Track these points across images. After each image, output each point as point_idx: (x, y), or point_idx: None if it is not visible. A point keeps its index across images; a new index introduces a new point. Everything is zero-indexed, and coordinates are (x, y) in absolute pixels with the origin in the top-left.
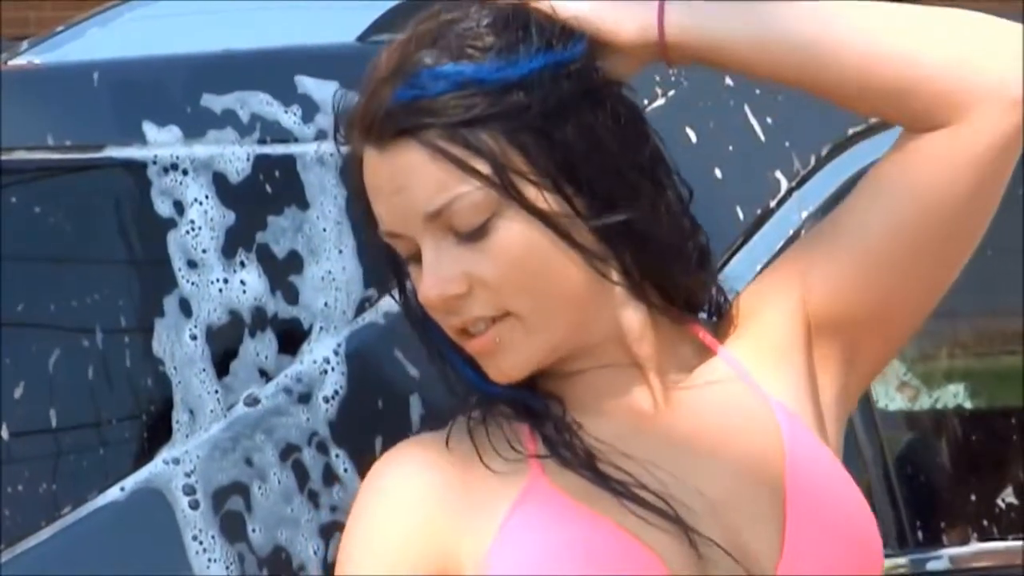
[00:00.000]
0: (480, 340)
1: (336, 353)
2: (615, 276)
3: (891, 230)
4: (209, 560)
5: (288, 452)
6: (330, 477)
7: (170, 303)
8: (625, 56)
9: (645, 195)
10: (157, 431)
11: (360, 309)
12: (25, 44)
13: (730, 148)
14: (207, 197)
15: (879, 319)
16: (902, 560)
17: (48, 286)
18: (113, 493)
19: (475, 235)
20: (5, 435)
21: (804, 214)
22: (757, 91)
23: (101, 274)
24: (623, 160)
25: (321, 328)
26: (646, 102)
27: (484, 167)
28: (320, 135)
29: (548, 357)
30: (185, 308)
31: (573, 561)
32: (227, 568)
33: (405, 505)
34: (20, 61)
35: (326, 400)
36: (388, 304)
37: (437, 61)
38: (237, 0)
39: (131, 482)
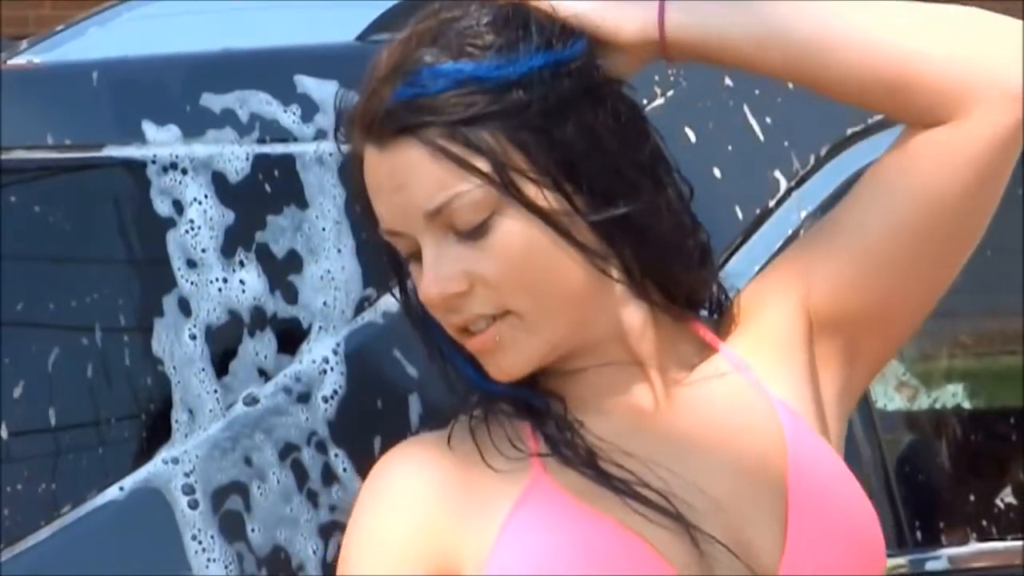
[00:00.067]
0: (480, 338)
1: (335, 353)
2: (616, 274)
3: (891, 229)
4: (208, 560)
5: (287, 452)
6: (329, 477)
7: (169, 302)
8: (625, 54)
9: (645, 193)
10: (156, 431)
11: (359, 309)
12: (24, 43)
13: (729, 148)
14: (206, 196)
15: (879, 318)
16: (901, 560)
17: (48, 285)
18: (112, 492)
19: (475, 233)
20: (4, 434)
21: (803, 214)
22: (756, 91)
23: (100, 273)
24: (623, 158)
25: (320, 328)
26: (645, 102)
27: (484, 165)
28: (319, 134)
29: (549, 355)
30: (184, 308)
31: (575, 560)
32: (226, 568)
33: (406, 505)
34: (20, 60)
35: (325, 400)
36: (387, 304)
37: (437, 59)
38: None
39: (130, 482)
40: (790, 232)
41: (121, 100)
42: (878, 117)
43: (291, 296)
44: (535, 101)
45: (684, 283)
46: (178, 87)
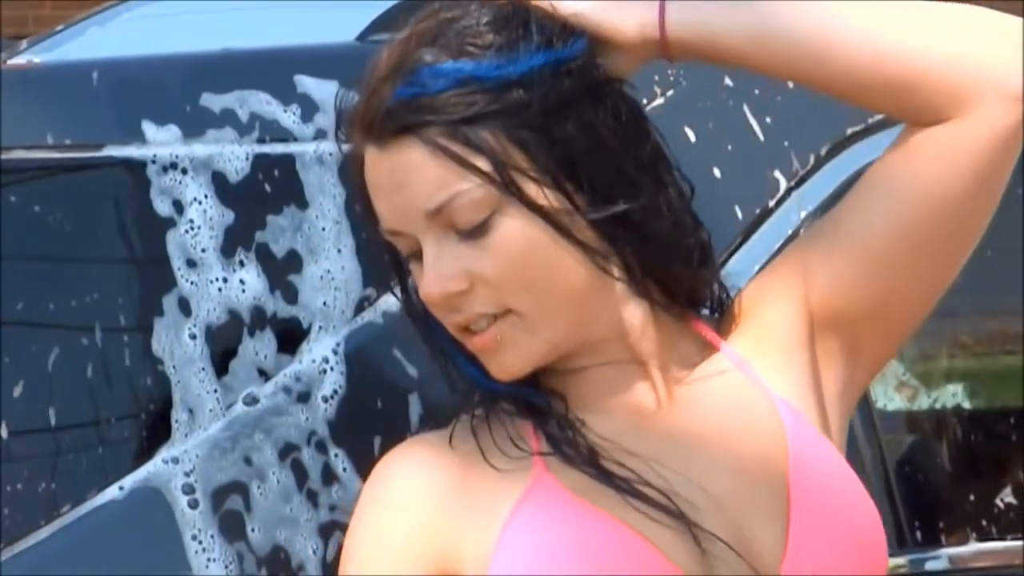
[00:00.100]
0: (482, 337)
1: (335, 352)
2: (616, 272)
3: (891, 229)
4: (208, 559)
5: (287, 451)
6: (329, 476)
7: (169, 302)
8: (626, 53)
9: (646, 191)
10: (156, 430)
11: (359, 308)
12: (24, 43)
13: (729, 148)
14: (206, 196)
15: (879, 317)
16: (901, 560)
17: (47, 285)
18: (112, 492)
19: (476, 232)
20: (4, 434)
21: (803, 214)
22: (756, 91)
23: (100, 273)
24: (624, 157)
25: (320, 327)
26: (645, 102)
27: (484, 164)
28: (319, 134)
29: (550, 354)
30: (184, 307)
31: (577, 558)
32: (226, 567)
33: (407, 505)
34: (19, 60)
35: (325, 399)
36: (387, 303)
37: (437, 59)
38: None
39: (130, 481)
40: (790, 232)
41: (121, 100)
42: (878, 117)
43: (291, 296)
44: (535, 100)
45: (685, 282)
46: (178, 87)
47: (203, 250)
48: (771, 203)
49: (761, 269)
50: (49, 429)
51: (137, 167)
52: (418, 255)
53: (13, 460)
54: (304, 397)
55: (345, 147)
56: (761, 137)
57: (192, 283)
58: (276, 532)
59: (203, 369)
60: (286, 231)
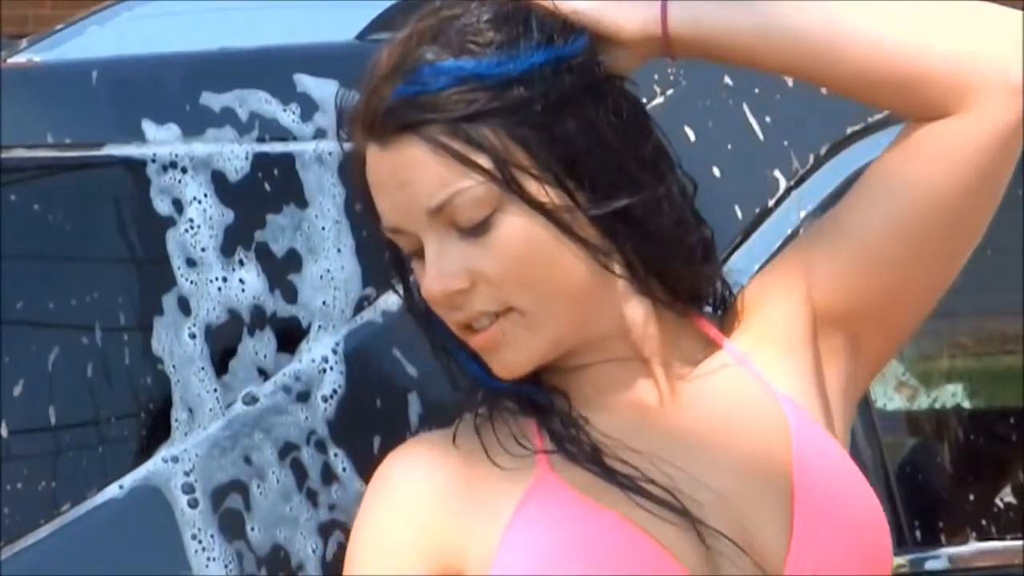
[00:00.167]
0: (484, 336)
1: (335, 352)
2: (618, 270)
3: (891, 228)
4: (208, 559)
5: (287, 451)
6: (329, 476)
7: (169, 301)
8: (627, 50)
9: (647, 189)
10: (156, 429)
11: (359, 308)
12: (24, 42)
13: (729, 147)
14: (206, 195)
15: (880, 316)
16: (901, 560)
17: (47, 284)
18: (112, 491)
19: (477, 230)
20: (4, 433)
21: (803, 213)
22: (756, 90)
23: (100, 272)
24: (625, 154)
25: (320, 327)
26: (644, 101)
27: (486, 162)
28: (319, 133)
29: (552, 352)
30: (184, 307)
31: (581, 556)
32: (226, 567)
33: (410, 504)
34: (19, 59)
35: (325, 399)
36: (387, 303)
37: (438, 57)
38: None
39: (130, 480)
40: (790, 231)
41: (121, 99)
42: (878, 116)
43: (291, 295)
44: (536, 98)
45: (687, 279)
46: (178, 86)
47: (203, 249)
48: (771, 202)
49: (761, 268)
50: (49, 428)
51: (137, 166)
52: (420, 253)
53: (13, 459)
54: (304, 396)
55: (346, 146)
56: (761, 136)
57: (192, 282)
58: (276, 531)
59: (203, 368)
60: (286, 230)
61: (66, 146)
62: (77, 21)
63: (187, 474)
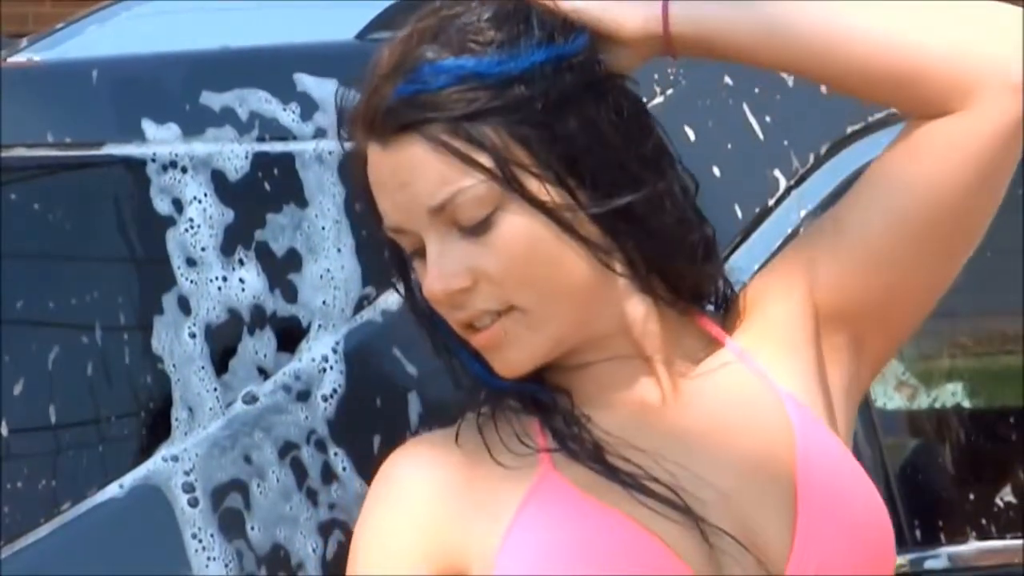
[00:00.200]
0: (486, 334)
1: (335, 351)
2: (619, 268)
3: (892, 227)
4: (208, 558)
5: (287, 450)
6: (328, 475)
7: (169, 301)
8: (628, 49)
9: (648, 187)
10: (156, 429)
11: (359, 307)
12: (24, 41)
13: (729, 147)
14: (206, 195)
15: (881, 315)
16: (901, 559)
17: (47, 283)
18: (112, 490)
19: (479, 229)
20: (5, 432)
21: (803, 213)
22: (756, 89)
23: (100, 272)
24: (626, 153)
25: (320, 326)
26: (644, 100)
27: (487, 160)
28: (319, 133)
29: (554, 350)
30: (184, 306)
31: (584, 555)
32: (226, 566)
33: (412, 504)
34: (19, 58)
35: (324, 398)
36: (386, 302)
37: (438, 56)
38: None
39: (130, 479)
40: (790, 231)
41: (121, 98)
42: (878, 115)
43: (291, 295)
44: (537, 96)
45: (689, 277)
46: (177, 85)
47: (203, 249)
48: (771, 202)
49: (762, 268)
50: (49, 427)
51: (137, 165)
52: (421, 253)
53: (13, 458)
54: (304, 396)
55: (347, 146)
56: (761, 136)
57: (192, 282)
58: (276, 530)
59: (203, 367)
60: (286, 230)
61: (66, 145)
62: (77, 20)
63: (187, 473)
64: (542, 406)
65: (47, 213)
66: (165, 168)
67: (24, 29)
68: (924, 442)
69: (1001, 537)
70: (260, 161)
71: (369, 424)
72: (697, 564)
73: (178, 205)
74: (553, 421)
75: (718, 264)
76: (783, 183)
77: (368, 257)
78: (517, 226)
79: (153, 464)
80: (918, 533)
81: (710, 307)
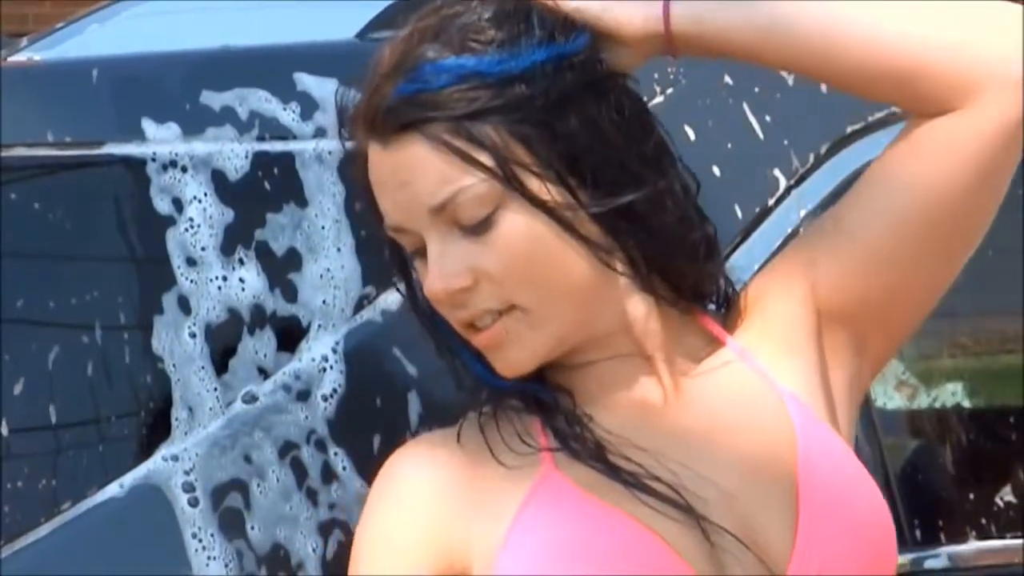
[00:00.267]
0: (487, 334)
1: (335, 351)
2: (620, 267)
3: (891, 227)
4: (208, 558)
5: (287, 450)
6: (328, 475)
7: (169, 301)
8: (630, 48)
9: (649, 186)
10: (156, 428)
11: (359, 307)
12: (24, 41)
13: (729, 146)
14: (206, 194)
15: (881, 315)
16: (901, 559)
17: (47, 283)
18: (112, 490)
19: (480, 228)
20: (5, 431)
21: (803, 212)
22: (756, 89)
23: (100, 271)
24: (626, 152)
25: (320, 326)
26: (644, 100)
27: (487, 160)
28: (319, 132)
29: (555, 349)
30: (184, 306)
31: (586, 554)
32: (226, 566)
33: (415, 504)
34: (20, 58)
35: (324, 398)
36: (386, 302)
37: (439, 55)
38: None
39: (130, 479)
40: (790, 231)
41: (121, 98)
42: (878, 115)
43: (290, 294)
44: (538, 95)
45: (690, 276)
46: (178, 85)
47: (203, 248)
48: (771, 202)
49: (761, 268)
50: (49, 427)
51: (137, 165)
52: (422, 252)
53: (13, 457)
54: (304, 395)
55: (348, 145)
56: (761, 135)
57: (192, 281)
58: (276, 530)
59: (203, 367)
60: (286, 229)
61: (66, 145)
62: (77, 19)
63: (187, 473)
64: (544, 405)
65: (47, 213)
66: (165, 167)
67: (24, 29)
68: (924, 442)
69: (1001, 537)
70: (260, 160)
71: (369, 424)
72: (699, 563)
73: (178, 204)
74: (555, 420)
75: (719, 263)
76: (783, 183)
77: (368, 256)
78: (518, 225)
79: (153, 464)
80: (918, 533)
81: (711, 306)
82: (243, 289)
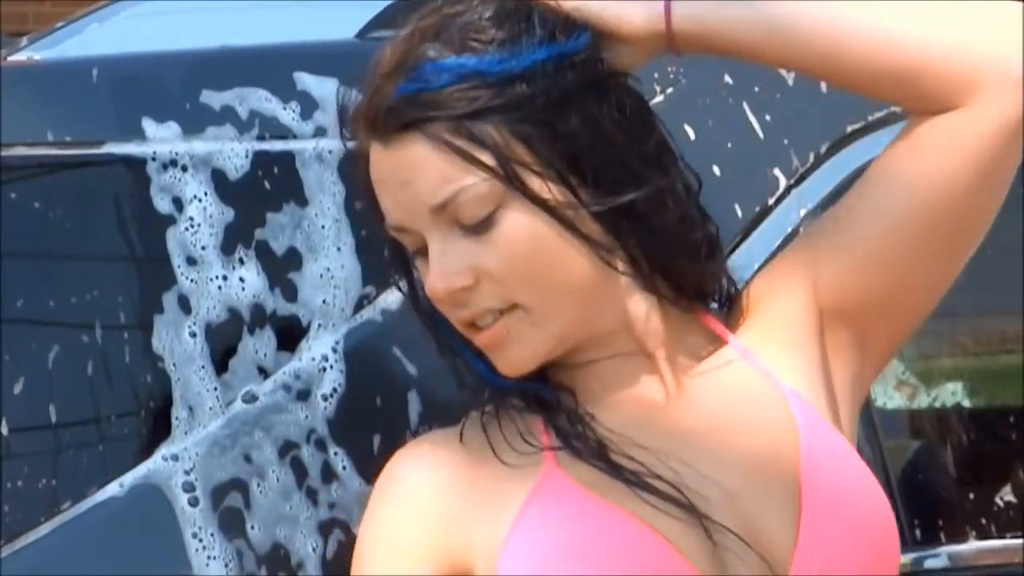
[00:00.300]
0: (488, 333)
1: (335, 350)
2: (621, 266)
3: (892, 227)
4: (208, 557)
5: (287, 449)
6: (328, 474)
7: (169, 300)
8: (631, 47)
9: (651, 185)
10: (156, 428)
11: (359, 306)
12: (25, 40)
13: (729, 146)
14: (206, 194)
15: (882, 313)
16: (901, 558)
17: (48, 282)
18: (112, 489)
19: (481, 227)
20: (5, 431)
21: (803, 212)
22: (756, 88)
23: (100, 271)
24: (628, 151)
25: (320, 325)
26: (646, 99)
27: (488, 159)
28: (319, 132)
29: (557, 348)
30: (184, 305)
31: (588, 553)
32: (226, 565)
33: (418, 503)
34: (20, 57)
35: (324, 397)
36: (386, 301)
37: (440, 54)
38: None
39: (130, 478)
40: (790, 230)
41: (121, 97)
42: (878, 114)
43: (291, 294)
44: (538, 94)
45: (691, 275)
46: (178, 84)
47: (203, 248)
48: (771, 201)
49: (761, 267)
50: (49, 426)
51: (137, 164)
52: (423, 251)
53: (13, 457)
54: (304, 395)
55: (349, 144)
56: (761, 135)
57: (192, 281)
58: (276, 530)
59: (203, 367)
60: (286, 229)
61: (66, 144)
62: (77, 19)
63: (187, 472)
64: (546, 404)
65: (47, 212)
66: (165, 167)
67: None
68: (924, 442)
69: (1001, 537)
70: (260, 160)
71: (369, 423)
72: (701, 562)
73: (178, 204)
74: (557, 419)
75: (721, 262)
76: (783, 182)
77: (368, 256)
78: (519, 224)
79: (153, 463)
80: (918, 532)
81: (713, 305)
82: (243, 288)
